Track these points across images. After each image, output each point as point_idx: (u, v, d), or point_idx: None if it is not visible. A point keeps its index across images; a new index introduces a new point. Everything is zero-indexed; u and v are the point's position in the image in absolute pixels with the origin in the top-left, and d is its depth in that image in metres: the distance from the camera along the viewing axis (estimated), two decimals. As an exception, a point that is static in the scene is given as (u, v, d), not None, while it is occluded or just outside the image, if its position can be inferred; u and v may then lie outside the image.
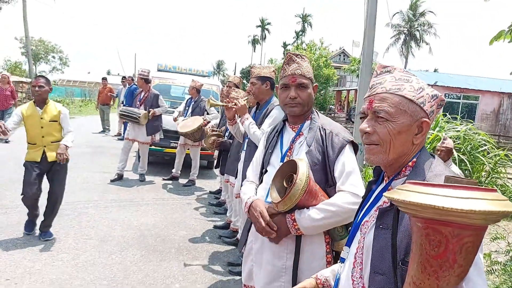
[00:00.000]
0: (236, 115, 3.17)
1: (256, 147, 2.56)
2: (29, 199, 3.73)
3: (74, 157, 7.69)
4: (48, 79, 3.85)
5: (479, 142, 7.15)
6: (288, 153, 1.79)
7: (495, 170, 6.83)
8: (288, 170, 1.63)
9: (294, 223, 1.60)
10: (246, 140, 3.06)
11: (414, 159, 1.02)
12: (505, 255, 3.19)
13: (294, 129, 1.86)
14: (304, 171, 1.54)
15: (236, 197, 3.20)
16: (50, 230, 3.92)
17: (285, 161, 1.72)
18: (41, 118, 3.72)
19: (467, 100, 20.48)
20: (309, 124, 1.82)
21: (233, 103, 3.00)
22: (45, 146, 3.74)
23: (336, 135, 1.72)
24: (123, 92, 10.80)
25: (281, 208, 1.59)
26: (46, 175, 3.85)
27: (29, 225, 3.93)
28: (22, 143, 3.71)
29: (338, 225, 1.62)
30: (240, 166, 3.17)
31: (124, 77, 11.63)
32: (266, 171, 1.85)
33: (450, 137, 6.59)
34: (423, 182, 0.83)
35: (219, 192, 6.01)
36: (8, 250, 3.54)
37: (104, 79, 12.40)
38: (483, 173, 6.80)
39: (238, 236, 4.16)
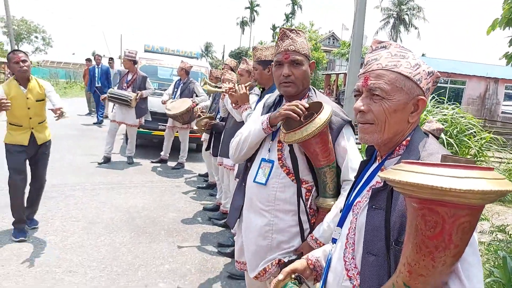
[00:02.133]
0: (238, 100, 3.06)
1: None
2: (16, 189, 3.44)
3: (60, 140, 7.57)
4: (26, 53, 3.46)
5: (466, 125, 7.25)
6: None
7: (481, 153, 6.95)
8: (310, 109, 1.60)
9: (318, 242, 1.59)
10: None
11: (408, 138, 1.01)
12: (489, 235, 3.27)
13: None
14: (327, 114, 1.52)
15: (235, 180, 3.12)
16: (35, 218, 3.73)
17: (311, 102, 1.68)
18: (27, 98, 3.37)
19: (454, 85, 20.66)
20: (306, 102, 1.75)
21: (233, 90, 2.80)
22: (32, 128, 3.45)
23: (334, 115, 1.67)
24: (112, 74, 10.61)
25: (288, 139, 1.55)
26: (29, 160, 3.56)
27: (20, 233, 3.46)
28: (1, 124, 3.38)
29: None
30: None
31: (111, 59, 11.39)
32: (259, 148, 1.81)
33: (439, 120, 6.65)
34: (419, 161, 0.82)
35: (207, 175, 5.99)
36: (-6, 232, 3.49)
37: (88, 60, 12.11)
38: (468, 157, 6.92)
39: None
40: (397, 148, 1.01)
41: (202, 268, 3.26)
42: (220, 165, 4.09)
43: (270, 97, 1.96)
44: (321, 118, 1.50)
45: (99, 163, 6.18)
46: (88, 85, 10.37)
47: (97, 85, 10.06)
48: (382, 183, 0.99)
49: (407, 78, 0.98)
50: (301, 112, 1.60)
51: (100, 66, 10.22)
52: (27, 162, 3.57)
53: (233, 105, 3.08)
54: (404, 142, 1.01)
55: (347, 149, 1.62)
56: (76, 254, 3.25)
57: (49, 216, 3.97)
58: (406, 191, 0.73)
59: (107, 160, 6.31)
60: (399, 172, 0.74)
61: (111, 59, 11.29)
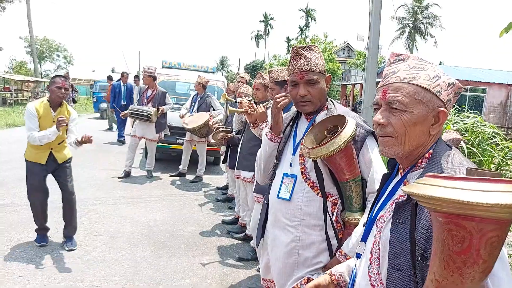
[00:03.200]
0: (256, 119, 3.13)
1: None
2: (38, 204, 3.57)
3: (81, 155, 7.74)
4: (71, 84, 3.64)
5: (488, 134, 7.08)
6: (301, 145, 1.72)
7: (504, 162, 6.77)
8: (332, 123, 1.59)
9: (348, 257, 1.56)
10: None
11: (431, 151, 1.00)
12: (517, 248, 3.17)
13: (309, 120, 1.79)
14: (352, 128, 1.51)
15: (256, 200, 3.15)
16: (74, 238, 3.73)
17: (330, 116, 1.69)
18: (54, 121, 3.47)
19: (474, 93, 20.28)
20: (325, 114, 1.74)
21: (252, 109, 2.93)
22: (51, 148, 3.55)
23: (357, 126, 1.64)
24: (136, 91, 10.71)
25: (312, 154, 1.53)
26: (53, 174, 3.66)
27: (41, 238, 3.67)
28: (26, 140, 3.51)
29: None
30: None
31: (136, 76, 11.55)
32: (279, 163, 1.81)
33: (458, 130, 6.52)
34: (443, 175, 0.81)
35: (226, 187, 6.02)
36: (20, 247, 3.57)
37: (109, 78, 12.40)
38: (492, 166, 6.74)
39: (247, 231, 4.16)
40: (420, 161, 1.01)
41: (223, 283, 3.26)
42: (238, 177, 4.10)
43: (287, 114, 1.97)
44: (346, 133, 1.49)
45: (120, 178, 6.29)
46: (111, 102, 10.48)
47: (123, 103, 10.05)
48: (405, 197, 0.98)
49: (426, 90, 0.97)
50: (286, 101, 1.68)
51: (125, 84, 10.29)
52: (53, 177, 3.67)
53: (251, 125, 3.14)
54: (426, 155, 1.00)
55: (372, 160, 1.60)
56: (98, 268, 3.29)
57: (72, 230, 4.04)
58: (431, 205, 0.73)
59: (127, 174, 6.42)
60: (423, 186, 0.74)
61: (136, 76, 11.46)
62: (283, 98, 1.76)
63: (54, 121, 3.46)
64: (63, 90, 3.46)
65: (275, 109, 1.78)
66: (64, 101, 3.61)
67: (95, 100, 11.19)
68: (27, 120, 3.41)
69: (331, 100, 1.83)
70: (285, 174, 1.75)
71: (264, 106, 2.77)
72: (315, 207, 1.67)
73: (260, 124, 2.83)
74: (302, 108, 1.75)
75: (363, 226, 1.16)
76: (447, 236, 0.74)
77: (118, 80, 10.42)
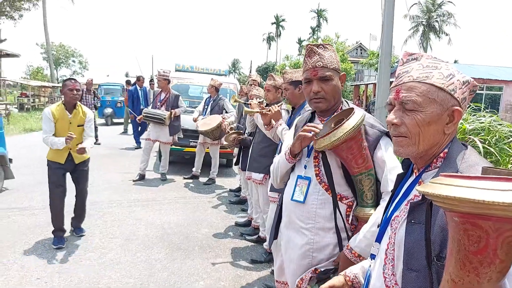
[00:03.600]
0: (270, 120, 3.18)
1: None
2: (57, 200, 3.75)
3: (97, 158, 7.87)
4: (80, 84, 3.82)
5: (505, 133, 6.93)
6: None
7: (523, 162, 6.61)
8: (342, 116, 1.60)
9: (361, 257, 1.54)
10: (280, 144, 3.05)
11: (446, 150, 0.98)
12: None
13: (323, 121, 1.78)
14: (356, 119, 1.49)
15: (272, 200, 3.16)
16: (82, 226, 4.08)
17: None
18: (70, 123, 3.69)
19: (490, 91, 19.89)
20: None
21: (268, 110, 2.99)
22: (70, 149, 3.71)
23: (370, 127, 1.64)
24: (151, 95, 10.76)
25: (318, 145, 1.55)
26: (71, 175, 3.89)
27: (58, 240, 3.77)
28: (42, 145, 3.71)
29: None
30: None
31: (152, 80, 11.69)
32: (294, 166, 1.80)
33: (474, 129, 6.40)
34: (458, 174, 0.80)
35: (239, 190, 6.03)
36: (37, 250, 3.64)
37: (128, 82, 12.58)
38: (509, 165, 6.59)
39: (260, 233, 4.16)
40: (435, 160, 0.99)
41: (236, 285, 3.26)
42: (249, 179, 4.11)
43: (301, 117, 1.96)
44: (350, 123, 1.48)
45: (134, 181, 6.36)
46: (129, 107, 10.51)
47: (142, 107, 10.08)
48: (420, 197, 0.97)
49: (439, 89, 0.96)
50: (316, 130, 1.62)
51: (141, 88, 10.33)
52: (69, 177, 3.89)
53: (265, 126, 3.18)
54: (441, 154, 0.98)
55: (385, 160, 1.59)
56: (114, 271, 3.33)
57: (88, 233, 4.11)
58: (446, 205, 0.72)
59: (142, 177, 6.49)
60: (438, 186, 0.73)
61: (151, 80, 11.59)
62: (312, 130, 1.67)
63: (70, 123, 3.69)
64: (74, 91, 3.62)
65: (299, 139, 1.70)
66: (79, 103, 3.79)
67: (99, 105, 11.21)
68: (44, 123, 3.63)
69: (345, 101, 1.82)
70: (299, 177, 1.75)
71: (278, 106, 2.82)
72: (330, 210, 1.67)
73: (274, 124, 2.91)
74: (316, 105, 1.75)
75: (377, 227, 1.15)
76: (463, 236, 0.73)
77: (134, 84, 10.49)
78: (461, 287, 0.75)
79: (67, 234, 3.97)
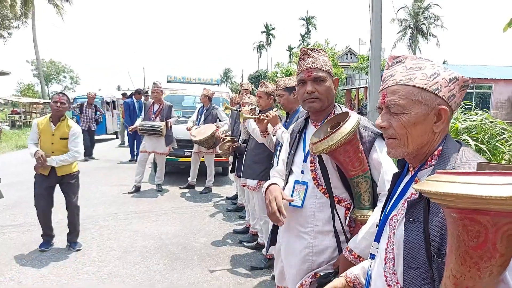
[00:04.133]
0: (267, 126, 3.21)
1: None
2: (40, 211, 3.86)
3: (93, 172, 7.83)
4: (68, 98, 3.94)
5: (497, 130, 7.01)
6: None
7: (516, 159, 6.68)
8: (337, 120, 1.61)
9: (353, 253, 1.56)
10: (278, 148, 3.07)
11: (440, 148, 1.00)
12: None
13: (317, 126, 1.79)
14: (353, 122, 1.51)
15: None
16: (78, 241, 4.07)
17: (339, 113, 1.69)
18: (53, 135, 3.79)
19: (480, 90, 20.12)
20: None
21: (265, 115, 3.05)
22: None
23: (364, 129, 1.65)
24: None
25: (315, 149, 1.56)
26: (60, 188, 3.94)
27: (44, 244, 3.98)
28: (35, 161, 3.78)
29: None
30: (272, 172, 3.19)
31: (146, 92, 11.61)
32: (291, 171, 1.81)
33: (466, 128, 6.47)
34: (454, 171, 0.81)
35: (235, 197, 6.01)
36: (34, 265, 3.60)
37: (123, 94, 12.56)
38: (503, 162, 6.65)
39: (259, 240, 4.15)
40: (430, 158, 1.00)
41: (237, 292, 3.24)
42: (244, 186, 4.11)
43: (295, 125, 1.96)
44: (346, 127, 1.49)
45: (130, 192, 6.32)
46: (125, 119, 10.40)
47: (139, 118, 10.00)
48: (417, 195, 0.98)
49: (422, 90, 0.98)
50: (278, 220, 1.61)
51: (138, 101, 10.21)
52: (54, 191, 3.96)
53: (261, 133, 3.22)
54: (436, 152, 1.00)
55: (381, 161, 1.60)
56: (113, 284, 3.30)
57: (85, 247, 4.07)
58: (444, 202, 0.72)
59: (137, 189, 6.45)
60: (434, 183, 0.74)
61: (146, 92, 11.53)
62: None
63: (53, 135, 3.80)
64: (58, 104, 3.76)
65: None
66: (66, 116, 3.93)
67: (101, 120, 11.01)
68: (31, 132, 3.87)
69: (338, 105, 1.84)
70: (296, 182, 1.75)
71: (275, 111, 2.88)
72: (328, 213, 1.67)
73: (273, 129, 3.00)
74: (310, 105, 1.75)
75: (376, 227, 1.16)
76: (462, 232, 0.73)
77: (130, 97, 10.41)
78: (462, 282, 0.76)
79: (63, 248, 3.93)
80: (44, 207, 3.87)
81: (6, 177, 6.98)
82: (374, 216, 1.55)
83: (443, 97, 0.98)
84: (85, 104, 10.07)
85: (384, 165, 1.59)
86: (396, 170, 1.55)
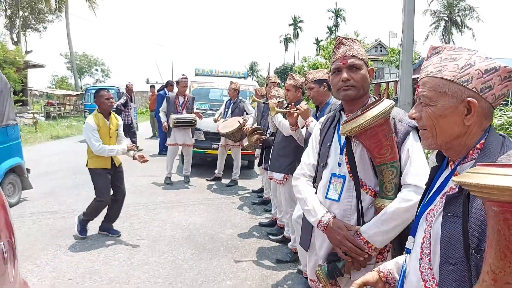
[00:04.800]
0: (297, 120, 3.20)
1: None
2: (106, 203, 4.05)
3: (123, 163, 8.03)
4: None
5: (536, 128, 6.68)
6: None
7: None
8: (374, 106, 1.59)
9: (369, 244, 1.57)
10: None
11: (482, 141, 0.96)
12: None
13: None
14: (381, 108, 1.47)
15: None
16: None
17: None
18: (109, 129, 4.01)
19: (518, 85, 19.22)
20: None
21: (296, 109, 3.05)
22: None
23: (399, 121, 1.61)
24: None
25: (341, 130, 1.57)
26: (111, 178, 4.12)
27: (85, 230, 4.12)
28: (70, 151, 3.95)
29: (408, 222, 1.54)
30: (299, 180, 3.17)
31: (169, 85, 11.71)
32: (326, 164, 1.78)
33: (502, 124, 6.21)
34: (496, 163, 0.78)
35: (261, 191, 6.04)
36: (68, 252, 3.75)
37: (152, 86, 12.78)
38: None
39: (285, 233, 4.16)
40: (471, 152, 0.97)
41: (263, 284, 3.27)
42: (271, 179, 4.11)
43: (326, 118, 1.92)
44: (373, 111, 1.46)
45: (167, 183, 6.49)
46: (155, 112, 10.39)
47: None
48: (456, 189, 0.95)
49: (450, 82, 0.96)
50: (362, 254, 1.59)
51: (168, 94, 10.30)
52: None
53: (291, 127, 3.20)
54: (478, 146, 0.97)
55: (410, 154, 1.57)
56: (142, 271, 3.40)
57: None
58: (484, 194, 0.70)
59: (169, 180, 6.59)
60: (475, 175, 0.72)
61: (168, 85, 11.67)
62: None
63: (110, 129, 4.00)
64: (110, 100, 3.98)
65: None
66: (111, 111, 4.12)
67: (87, 114, 10.50)
68: (90, 133, 3.85)
69: (373, 97, 1.80)
70: (333, 175, 1.73)
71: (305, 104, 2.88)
72: (365, 206, 1.67)
73: (305, 122, 3.00)
74: (345, 94, 1.70)
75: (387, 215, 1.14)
76: (503, 226, 0.71)
77: (162, 89, 10.23)
78: (501, 278, 0.74)
79: (96, 234, 4.11)
80: (107, 201, 4.05)
81: (41, 167, 7.31)
82: (390, 205, 1.55)
83: (474, 89, 0.94)
84: (128, 97, 9.67)
85: (412, 158, 1.56)
86: (425, 165, 1.52)
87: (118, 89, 12.67)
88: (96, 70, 50.18)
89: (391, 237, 1.58)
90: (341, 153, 1.73)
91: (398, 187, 1.60)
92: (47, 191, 5.86)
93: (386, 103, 1.50)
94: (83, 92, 21.22)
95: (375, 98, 1.77)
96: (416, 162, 1.55)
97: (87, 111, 12.03)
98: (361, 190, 1.65)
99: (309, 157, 1.92)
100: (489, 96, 0.94)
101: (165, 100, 6.90)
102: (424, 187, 1.28)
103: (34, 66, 21.36)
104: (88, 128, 3.85)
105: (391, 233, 1.55)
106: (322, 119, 1.97)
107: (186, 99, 6.65)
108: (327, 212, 1.71)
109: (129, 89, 10.05)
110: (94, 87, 12.58)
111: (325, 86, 3.06)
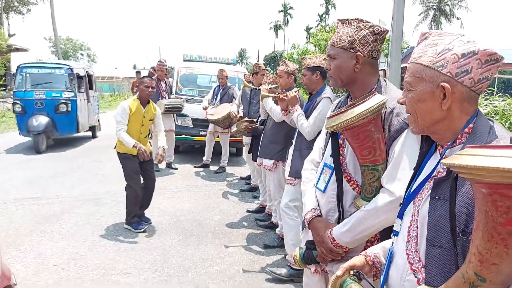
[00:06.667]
0: (287, 105, 3.17)
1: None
2: (137, 188, 3.94)
3: (108, 150, 7.94)
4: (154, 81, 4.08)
5: (520, 117, 6.80)
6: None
7: (538, 146, 6.50)
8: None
9: (335, 241, 1.51)
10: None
11: (471, 125, 0.96)
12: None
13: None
14: (363, 108, 1.37)
15: (288, 183, 3.14)
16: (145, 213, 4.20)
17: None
18: (144, 117, 3.97)
19: (503, 75, 19.49)
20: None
21: (285, 95, 3.02)
22: (139, 141, 3.90)
23: (397, 115, 1.47)
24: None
25: (326, 124, 1.56)
26: (140, 166, 4.02)
27: (136, 224, 3.97)
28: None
29: (383, 227, 1.44)
30: (291, 150, 3.15)
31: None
32: (324, 152, 1.74)
33: (488, 113, 6.30)
34: (485, 145, 0.78)
35: (249, 178, 6.04)
36: (53, 238, 3.70)
37: (138, 72, 12.56)
38: (525, 150, 6.47)
39: (272, 219, 4.17)
40: (459, 136, 0.97)
41: (250, 269, 3.28)
42: (260, 165, 4.10)
43: (340, 102, 1.82)
44: (354, 111, 1.37)
45: (154, 170, 6.38)
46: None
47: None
48: (444, 173, 0.95)
49: (427, 67, 0.97)
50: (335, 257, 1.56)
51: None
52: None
53: (282, 111, 3.18)
54: (466, 130, 0.96)
55: (396, 154, 1.38)
56: (129, 257, 3.38)
57: (102, 221, 4.17)
58: (473, 176, 0.70)
59: (157, 167, 6.50)
60: (464, 157, 0.71)
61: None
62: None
63: (144, 117, 3.97)
64: (150, 89, 3.94)
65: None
66: (150, 99, 4.07)
67: (20, 110, 7.76)
68: (120, 115, 3.84)
69: (385, 80, 1.65)
70: (325, 164, 1.69)
71: (296, 92, 2.85)
72: (348, 201, 1.60)
73: (291, 109, 2.94)
74: (330, 83, 1.72)
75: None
76: (490, 208, 0.71)
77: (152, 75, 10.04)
78: (488, 259, 0.74)
79: (81, 221, 4.05)
80: (137, 184, 3.97)
81: (22, 155, 7.18)
82: (367, 205, 1.47)
83: (448, 74, 0.94)
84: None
85: (397, 158, 1.37)
86: (410, 170, 1.26)
87: (71, 69, 8.60)
88: (82, 54, 49.13)
89: (362, 239, 1.51)
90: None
91: (377, 189, 1.50)
92: (30, 177, 5.76)
93: (372, 102, 1.39)
94: (12, 73, 15.12)
95: (385, 81, 1.65)
96: (401, 164, 1.35)
97: (18, 102, 7.87)
98: (348, 184, 1.59)
99: (320, 141, 1.86)
100: (466, 80, 0.93)
101: None
102: (396, 193, 1.29)
103: (17, 50, 20.83)
104: (120, 109, 3.87)
105: (359, 235, 1.48)
106: (336, 101, 1.87)
107: (167, 84, 6.62)
108: (313, 209, 1.67)
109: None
110: (30, 65, 8.53)
111: (318, 74, 2.98)
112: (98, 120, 10.48)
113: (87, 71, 9.45)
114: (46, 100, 7.99)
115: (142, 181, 4.06)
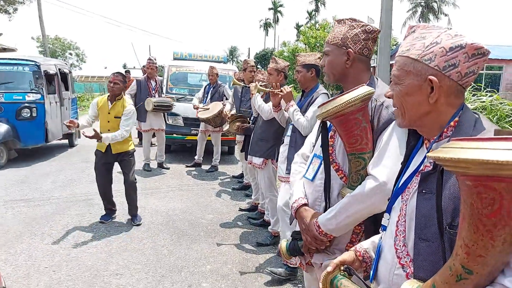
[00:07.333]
0: (280, 101, 3.17)
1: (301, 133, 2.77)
2: (100, 186, 4.10)
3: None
4: (125, 77, 4.06)
5: (507, 112, 6.91)
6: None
7: (525, 140, 6.61)
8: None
9: (320, 229, 1.51)
10: (291, 126, 3.02)
11: (456, 118, 0.97)
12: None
13: None
14: (350, 96, 1.41)
15: (280, 180, 3.15)
16: (138, 214, 4.26)
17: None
18: (108, 113, 3.95)
19: (490, 71, 19.74)
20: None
21: (279, 90, 3.01)
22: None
23: (386, 107, 1.52)
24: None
25: (316, 113, 1.58)
26: (119, 165, 4.13)
27: (105, 216, 4.20)
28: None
29: (369, 215, 1.47)
30: (283, 149, 3.15)
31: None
32: (315, 144, 1.76)
33: (475, 108, 6.38)
34: (469, 137, 0.79)
35: (241, 176, 6.04)
36: (44, 240, 3.66)
37: (127, 71, 12.41)
38: None
39: (265, 217, 4.18)
40: (445, 130, 0.98)
41: (243, 268, 3.29)
42: (250, 163, 4.10)
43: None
44: (342, 99, 1.42)
45: (145, 170, 6.38)
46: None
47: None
48: (431, 167, 0.96)
49: (415, 61, 0.97)
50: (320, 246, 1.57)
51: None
52: (113, 168, 4.19)
53: (273, 108, 3.19)
54: (452, 123, 0.97)
55: (383, 143, 1.43)
56: (121, 258, 3.36)
57: (94, 222, 4.13)
58: (458, 169, 0.71)
59: (148, 167, 6.48)
60: (450, 150, 0.72)
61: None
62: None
63: (109, 113, 3.96)
64: (112, 84, 3.92)
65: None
66: (123, 95, 4.06)
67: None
68: (89, 109, 4.07)
69: (377, 78, 1.70)
70: (314, 155, 1.71)
71: (291, 87, 2.89)
72: (335, 190, 1.62)
73: (285, 105, 2.99)
74: (324, 78, 1.75)
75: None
76: (476, 200, 0.72)
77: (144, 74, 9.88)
78: (475, 251, 0.75)
79: (73, 222, 4.01)
80: (103, 182, 4.09)
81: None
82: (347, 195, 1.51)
83: (436, 67, 0.94)
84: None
85: (383, 147, 1.41)
86: (394, 158, 1.34)
87: (37, 65, 6.99)
88: (70, 54, 48.43)
89: (346, 226, 1.52)
90: None
91: (363, 178, 1.53)
92: (20, 178, 5.68)
93: (359, 91, 1.44)
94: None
95: (377, 79, 1.70)
96: (386, 152, 1.40)
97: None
98: (336, 174, 1.61)
99: (311, 137, 1.89)
100: (453, 74, 0.94)
101: (134, 82, 6.58)
102: (380, 179, 1.30)
103: (4, 49, 20.42)
104: (91, 103, 4.04)
105: (344, 221, 1.49)
106: (319, 100, 1.97)
107: (157, 83, 6.56)
108: (300, 197, 1.69)
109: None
110: None
111: (313, 72, 2.97)
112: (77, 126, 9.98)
113: (59, 69, 7.87)
114: (5, 104, 6.52)
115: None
